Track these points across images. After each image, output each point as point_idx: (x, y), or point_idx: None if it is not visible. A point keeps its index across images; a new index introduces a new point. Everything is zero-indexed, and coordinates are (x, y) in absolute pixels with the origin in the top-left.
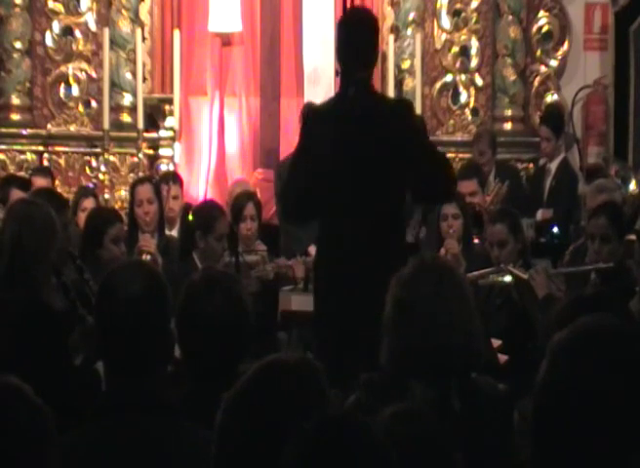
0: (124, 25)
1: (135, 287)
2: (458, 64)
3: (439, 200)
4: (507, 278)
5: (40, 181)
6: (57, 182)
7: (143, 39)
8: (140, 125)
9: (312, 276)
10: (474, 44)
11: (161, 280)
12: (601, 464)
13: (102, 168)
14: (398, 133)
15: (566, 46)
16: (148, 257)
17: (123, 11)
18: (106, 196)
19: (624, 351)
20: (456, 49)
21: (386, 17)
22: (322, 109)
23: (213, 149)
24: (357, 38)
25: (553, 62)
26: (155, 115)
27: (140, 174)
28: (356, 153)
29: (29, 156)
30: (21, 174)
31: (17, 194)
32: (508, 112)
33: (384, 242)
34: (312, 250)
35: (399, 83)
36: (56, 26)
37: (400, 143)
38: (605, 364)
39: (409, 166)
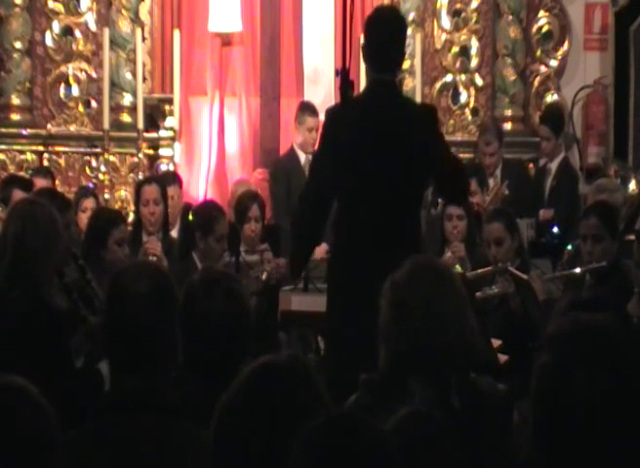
0: (124, 25)
1: (143, 286)
2: (458, 64)
3: (456, 201)
4: (505, 288)
5: (41, 182)
6: (57, 182)
7: (143, 39)
8: (140, 125)
9: (326, 273)
10: (474, 44)
11: (168, 280)
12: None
13: (102, 168)
14: (422, 135)
15: (566, 46)
16: (154, 260)
17: (123, 11)
18: (106, 196)
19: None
20: (456, 49)
21: None
22: (346, 110)
23: (213, 149)
24: (396, 38)
25: (553, 62)
26: (155, 115)
27: (141, 173)
28: (383, 152)
29: (29, 156)
30: (22, 174)
31: (18, 194)
32: (508, 112)
33: (400, 238)
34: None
35: (399, 83)
36: (56, 26)
37: (423, 146)
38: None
39: (431, 167)
